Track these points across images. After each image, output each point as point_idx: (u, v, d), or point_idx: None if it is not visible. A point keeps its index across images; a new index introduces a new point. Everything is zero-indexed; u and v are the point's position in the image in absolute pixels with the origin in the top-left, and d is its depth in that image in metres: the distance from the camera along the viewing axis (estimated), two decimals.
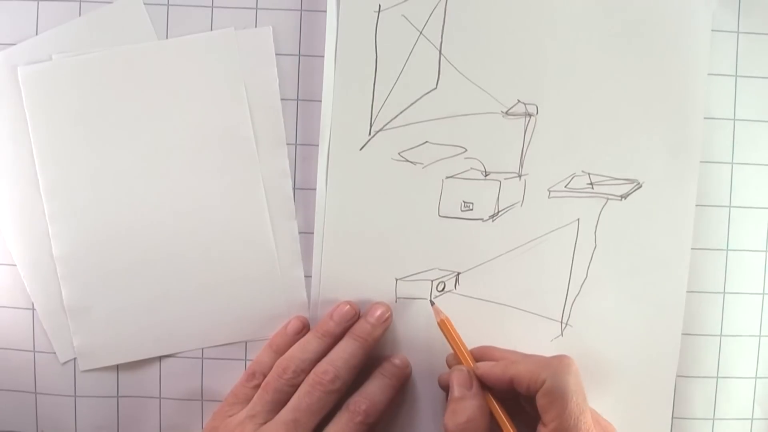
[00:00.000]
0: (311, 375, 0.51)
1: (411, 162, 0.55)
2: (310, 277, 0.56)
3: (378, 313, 0.54)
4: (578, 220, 0.55)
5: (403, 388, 0.55)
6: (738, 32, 0.56)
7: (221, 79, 0.55)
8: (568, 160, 0.55)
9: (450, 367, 0.54)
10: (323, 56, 0.55)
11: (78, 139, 0.55)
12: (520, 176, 0.55)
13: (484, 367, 0.51)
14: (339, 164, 0.55)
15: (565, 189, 0.55)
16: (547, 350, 0.55)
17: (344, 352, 0.52)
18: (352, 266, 0.56)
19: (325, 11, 0.55)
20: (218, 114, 0.55)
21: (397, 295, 0.56)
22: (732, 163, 0.56)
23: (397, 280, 0.56)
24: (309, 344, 0.53)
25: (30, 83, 0.55)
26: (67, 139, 0.55)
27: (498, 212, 0.55)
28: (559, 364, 0.48)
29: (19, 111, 0.55)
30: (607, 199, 0.55)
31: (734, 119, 0.56)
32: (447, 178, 0.55)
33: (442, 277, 0.56)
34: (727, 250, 0.57)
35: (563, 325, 0.56)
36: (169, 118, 0.55)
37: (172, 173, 0.56)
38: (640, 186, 0.55)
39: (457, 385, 0.51)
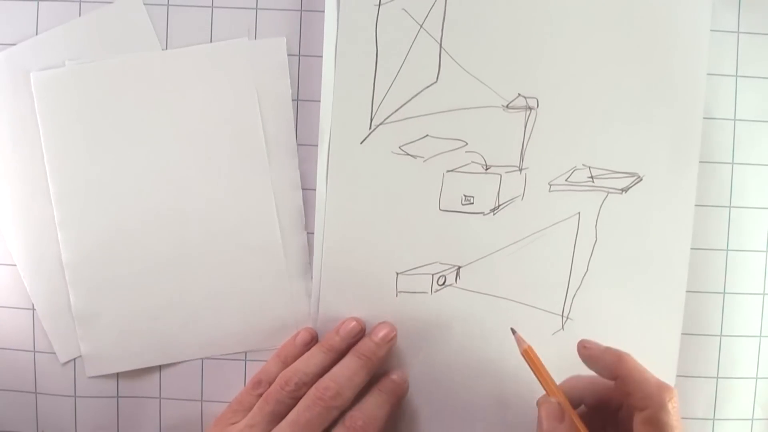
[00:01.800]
0: (312, 390, 0.51)
1: (412, 156, 0.55)
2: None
3: (383, 333, 0.54)
4: (579, 213, 0.55)
5: (400, 403, 0.55)
6: (738, 32, 0.56)
7: (234, 89, 0.55)
8: (569, 153, 0.55)
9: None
10: (323, 56, 0.55)
11: (89, 146, 0.56)
12: (520, 170, 0.55)
13: (572, 382, 0.50)
14: (339, 158, 0.55)
15: (566, 183, 0.55)
16: (548, 344, 0.56)
17: (347, 369, 0.52)
18: (353, 260, 0.55)
19: (325, 11, 0.55)
20: (230, 124, 0.56)
21: (398, 289, 0.56)
22: (732, 164, 0.56)
23: (398, 273, 0.56)
24: (313, 358, 0.53)
25: (42, 88, 0.55)
26: (78, 146, 0.56)
27: (499, 206, 0.55)
28: (660, 396, 0.45)
29: (20, 113, 0.56)
30: (608, 192, 0.55)
31: (734, 119, 0.56)
32: (448, 171, 0.55)
33: (443, 270, 0.55)
34: (727, 250, 0.57)
35: (564, 319, 0.56)
36: (181, 127, 0.56)
37: (183, 182, 0.56)
38: (641, 179, 0.55)
39: (546, 417, 0.48)
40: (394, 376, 0.55)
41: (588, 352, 0.49)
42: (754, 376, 0.57)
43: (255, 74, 0.55)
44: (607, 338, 0.55)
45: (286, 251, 0.56)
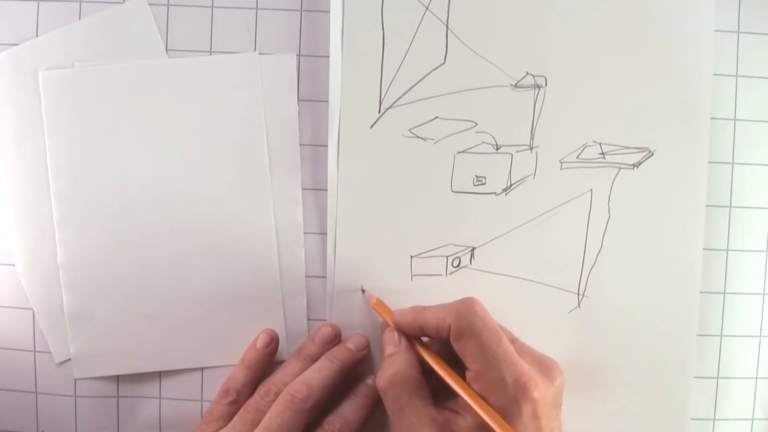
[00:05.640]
0: (284, 393, 0.51)
1: (422, 138, 0.55)
2: (319, 277, 0.56)
3: (357, 341, 0.55)
4: (591, 190, 0.55)
5: (376, 406, 0.55)
6: (738, 32, 0.56)
7: (240, 104, 0.55)
8: (579, 130, 0.55)
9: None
10: (324, 56, 0.55)
11: (93, 148, 0.55)
12: (531, 148, 0.55)
13: (398, 315, 0.51)
14: (350, 143, 0.55)
15: (577, 160, 0.55)
16: (565, 322, 0.56)
17: (319, 373, 0.52)
18: (366, 245, 0.55)
19: (326, 11, 0.55)
20: (234, 138, 0.55)
21: (413, 273, 0.55)
22: (732, 164, 0.56)
23: (412, 257, 0.55)
24: (290, 367, 0.54)
25: (50, 88, 0.55)
26: (81, 147, 0.55)
27: (511, 185, 0.55)
28: (461, 306, 0.48)
29: (23, 111, 0.55)
30: (619, 168, 0.55)
31: (735, 119, 0.56)
32: (458, 153, 0.55)
33: (457, 252, 0.55)
34: (728, 250, 0.57)
35: (580, 297, 0.56)
36: (186, 137, 0.55)
37: (184, 191, 0.56)
38: (652, 154, 0.55)
39: (388, 344, 0.52)
40: (369, 381, 0.55)
41: (396, 318, 0.52)
42: (754, 376, 0.57)
43: (263, 89, 0.55)
44: (624, 312, 0.56)
45: (282, 268, 0.56)
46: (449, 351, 0.49)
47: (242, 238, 0.56)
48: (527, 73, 0.55)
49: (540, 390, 0.46)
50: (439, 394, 0.49)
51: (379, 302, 0.54)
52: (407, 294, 0.55)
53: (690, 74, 0.55)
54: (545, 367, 0.49)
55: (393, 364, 0.50)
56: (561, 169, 0.55)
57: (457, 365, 0.49)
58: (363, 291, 0.55)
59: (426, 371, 0.50)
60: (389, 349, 0.51)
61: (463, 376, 0.48)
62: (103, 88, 0.55)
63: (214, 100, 0.55)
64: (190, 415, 0.57)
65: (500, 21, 0.55)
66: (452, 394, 0.48)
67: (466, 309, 0.48)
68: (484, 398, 0.46)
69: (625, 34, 0.55)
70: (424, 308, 0.51)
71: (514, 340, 0.51)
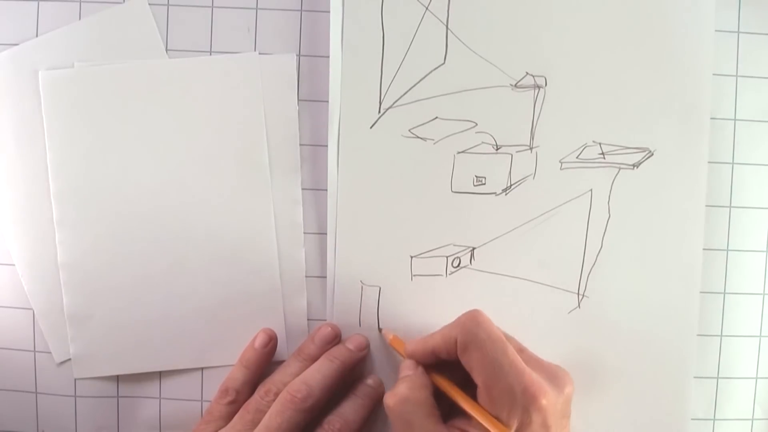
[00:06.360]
0: (284, 393, 0.51)
1: (422, 138, 0.55)
2: (319, 277, 0.56)
3: (357, 341, 0.55)
4: (591, 190, 0.55)
5: (376, 407, 0.55)
6: (738, 32, 0.56)
7: (241, 104, 0.55)
8: (579, 130, 0.55)
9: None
10: (324, 56, 0.55)
11: (93, 148, 0.55)
12: (531, 149, 0.55)
13: (410, 344, 0.51)
14: (350, 143, 0.55)
15: (577, 160, 0.55)
16: (565, 322, 0.56)
17: (318, 372, 0.52)
18: (367, 245, 0.55)
19: (326, 11, 0.55)
20: (235, 138, 0.55)
21: (413, 273, 0.55)
22: (732, 164, 0.57)
23: (412, 257, 0.55)
24: (290, 367, 0.54)
25: (50, 88, 0.55)
26: (81, 147, 0.55)
27: (511, 185, 0.55)
28: (466, 319, 0.48)
29: (24, 111, 0.55)
30: (619, 168, 0.55)
31: (735, 119, 0.56)
32: (458, 153, 0.55)
33: (457, 252, 0.55)
34: (728, 250, 0.57)
35: (580, 297, 0.56)
36: (186, 137, 0.55)
37: (184, 191, 0.56)
38: (652, 154, 0.55)
39: (403, 370, 0.51)
40: (369, 381, 0.55)
41: (409, 348, 0.52)
42: (754, 376, 0.57)
43: (263, 89, 0.55)
44: (624, 312, 0.56)
45: (281, 268, 0.56)
46: (462, 373, 0.49)
47: (242, 238, 0.56)
48: (527, 73, 0.55)
49: (549, 398, 0.46)
50: (452, 419, 0.49)
51: (396, 338, 0.54)
52: (407, 294, 0.55)
53: (690, 74, 0.55)
54: (554, 375, 0.48)
55: (404, 383, 0.49)
56: (561, 169, 0.55)
57: (469, 389, 0.48)
58: (380, 330, 0.55)
59: (439, 396, 0.50)
60: (403, 373, 0.51)
61: (474, 398, 0.48)
62: (103, 88, 0.55)
63: (214, 100, 0.55)
64: (189, 415, 0.57)
65: (500, 21, 0.55)
66: (465, 418, 0.48)
67: (470, 321, 0.48)
68: (495, 414, 0.46)
69: (625, 33, 0.55)
70: (431, 334, 0.50)
71: (521, 350, 0.50)
